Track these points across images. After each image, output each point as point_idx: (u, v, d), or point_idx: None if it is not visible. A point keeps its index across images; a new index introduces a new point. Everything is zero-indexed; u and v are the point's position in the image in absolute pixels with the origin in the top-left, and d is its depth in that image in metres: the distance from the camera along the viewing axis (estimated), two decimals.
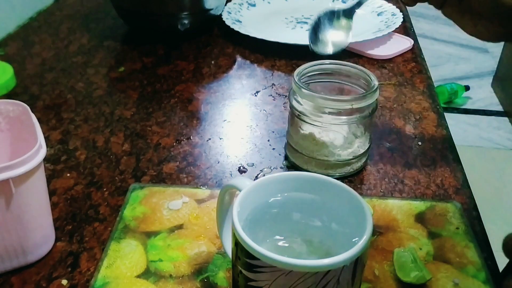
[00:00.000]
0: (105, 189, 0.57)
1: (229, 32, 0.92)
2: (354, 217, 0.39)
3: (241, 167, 0.61)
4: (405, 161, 0.62)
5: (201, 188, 0.57)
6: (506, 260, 0.49)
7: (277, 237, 0.43)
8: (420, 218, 0.53)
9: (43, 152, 0.44)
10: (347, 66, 0.58)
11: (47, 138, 0.66)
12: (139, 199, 0.55)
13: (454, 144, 0.65)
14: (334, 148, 0.57)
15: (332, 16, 0.60)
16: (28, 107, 0.49)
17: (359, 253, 0.35)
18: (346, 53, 0.87)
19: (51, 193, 0.56)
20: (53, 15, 1.05)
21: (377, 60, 0.86)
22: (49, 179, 0.58)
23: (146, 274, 0.46)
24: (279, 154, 0.63)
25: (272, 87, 0.79)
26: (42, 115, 0.71)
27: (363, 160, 0.60)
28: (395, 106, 0.73)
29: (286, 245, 0.42)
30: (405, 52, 0.88)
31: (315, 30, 0.60)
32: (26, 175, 0.42)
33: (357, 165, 0.59)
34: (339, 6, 0.60)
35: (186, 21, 0.89)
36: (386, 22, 0.94)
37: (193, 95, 0.77)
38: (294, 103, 0.57)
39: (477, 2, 0.52)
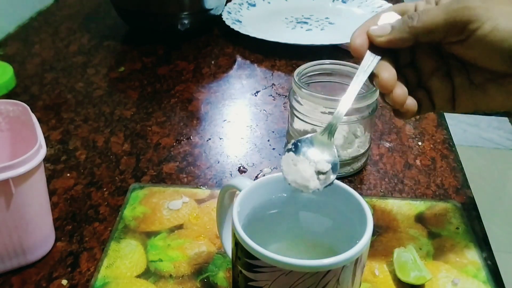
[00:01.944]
0: (105, 189, 0.57)
1: (229, 32, 0.92)
2: (354, 217, 0.39)
3: (241, 167, 0.61)
4: (405, 161, 0.62)
5: (201, 188, 0.57)
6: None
7: (277, 237, 0.42)
8: (420, 218, 0.53)
9: (43, 152, 0.44)
10: (347, 66, 0.58)
11: (47, 138, 0.66)
12: (139, 199, 0.55)
13: (454, 144, 0.65)
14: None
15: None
16: (28, 107, 0.49)
17: (359, 253, 0.35)
18: (346, 53, 0.87)
19: (51, 193, 0.56)
20: (53, 15, 1.05)
21: None
22: (49, 179, 0.58)
23: (146, 274, 0.46)
24: (279, 154, 0.63)
25: (272, 87, 0.79)
26: (42, 115, 0.71)
27: (363, 160, 0.60)
28: None
29: (286, 245, 0.42)
30: None
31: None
32: (26, 175, 0.42)
33: (357, 165, 0.59)
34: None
35: (186, 21, 0.89)
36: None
37: (193, 95, 0.77)
38: (294, 103, 0.57)
39: (497, 59, 0.38)
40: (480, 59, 0.39)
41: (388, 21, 0.41)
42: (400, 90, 0.40)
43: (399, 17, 0.41)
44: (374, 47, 0.41)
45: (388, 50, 0.41)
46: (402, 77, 0.42)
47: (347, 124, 0.57)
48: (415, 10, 0.41)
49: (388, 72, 0.40)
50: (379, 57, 0.41)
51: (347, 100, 0.41)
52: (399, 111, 0.42)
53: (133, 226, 0.51)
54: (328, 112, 0.55)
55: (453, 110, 0.43)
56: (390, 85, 0.40)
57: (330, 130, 0.40)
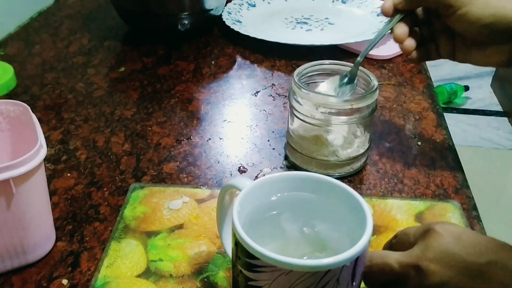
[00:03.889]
0: (105, 189, 0.57)
1: (229, 32, 0.93)
2: (354, 217, 0.39)
3: (241, 167, 0.61)
4: (405, 161, 0.62)
5: (201, 188, 0.57)
6: None
7: (277, 236, 0.43)
8: (419, 217, 0.53)
9: (43, 152, 0.44)
10: (347, 66, 0.58)
11: (47, 138, 0.66)
12: (140, 199, 0.55)
13: (453, 144, 0.65)
14: (334, 148, 0.57)
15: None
16: (28, 107, 0.49)
17: (359, 253, 0.35)
18: (346, 53, 0.87)
19: (52, 193, 0.56)
20: (54, 15, 1.05)
21: (377, 60, 0.86)
22: (50, 179, 0.58)
23: (146, 273, 0.46)
24: (279, 154, 0.63)
25: (272, 87, 0.79)
26: (42, 115, 0.71)
27: (363, 160, 0.60)
28: (394, 106, 0.73)
29: (286, 244, 0.42)
30: None
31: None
32: (26, 175, 0.42)
33: (357, 165, 0.59)
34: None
35: (186, 21, 0.89)
36: (386, 22, 0.94)
37: (193, 95, 0.77)
38: (294, 103, 0.57)
39: (472, 32, 0.52)
40: (460, 30, 0.54)
41: None
42: (409, 42, 0.57)
43: None
44: (396, 10, 0.57)
45: (406, 12, 0.57)
46: (416, 33, 0.57)
47: (346, 124, 0.57)
48: None
49: (401, 29, 0.56)
50: (398, 17, 0.56)
51: (369, 47, 0.59)
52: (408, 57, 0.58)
53: (134, 226, 0.51)
54: (328, 112, 0.55)
55: (454, 59, 0.57)
56: (401, 38, 0.57)
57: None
